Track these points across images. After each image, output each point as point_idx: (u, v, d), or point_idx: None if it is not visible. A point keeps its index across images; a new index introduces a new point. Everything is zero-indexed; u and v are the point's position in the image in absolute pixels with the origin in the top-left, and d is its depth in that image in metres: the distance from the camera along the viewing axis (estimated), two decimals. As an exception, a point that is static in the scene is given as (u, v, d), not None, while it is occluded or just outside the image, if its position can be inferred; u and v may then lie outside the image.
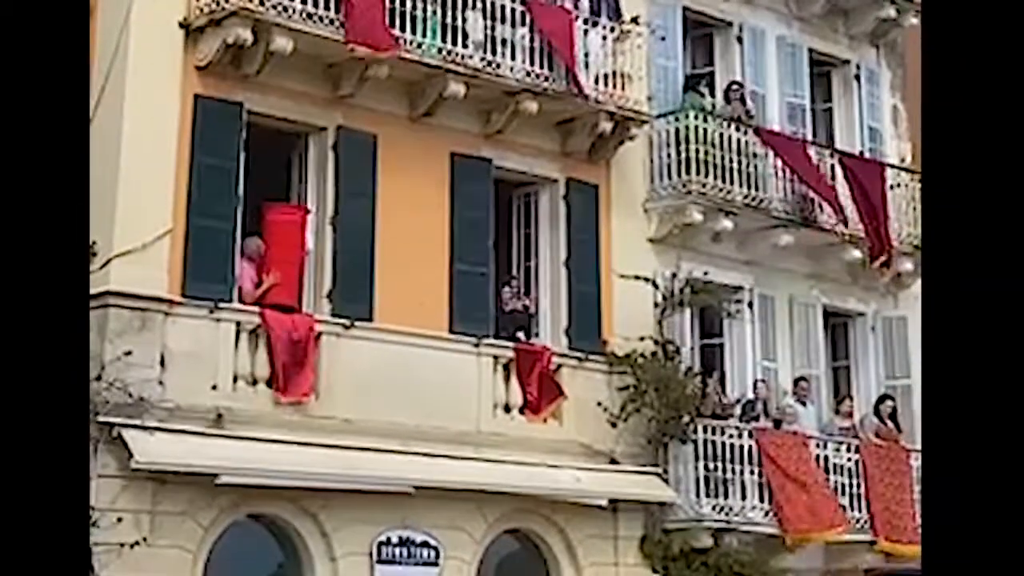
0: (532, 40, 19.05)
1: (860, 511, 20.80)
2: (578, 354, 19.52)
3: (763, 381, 21.38)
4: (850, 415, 22.18)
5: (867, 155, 23.88)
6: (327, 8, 17.01)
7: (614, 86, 19.94)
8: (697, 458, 19.44)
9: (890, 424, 22.11)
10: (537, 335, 19.66)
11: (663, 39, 21.15)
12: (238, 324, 16.55)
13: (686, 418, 19.42)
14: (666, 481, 19.48)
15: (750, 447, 19.91)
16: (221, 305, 16.38)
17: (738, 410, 20.75)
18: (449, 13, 18.14)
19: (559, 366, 19.26)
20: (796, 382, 21.86)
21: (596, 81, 19.73)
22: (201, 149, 16.57)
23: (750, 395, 21.16)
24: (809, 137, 23.24)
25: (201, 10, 16.71)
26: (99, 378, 15.10)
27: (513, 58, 18.83)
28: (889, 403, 22.34)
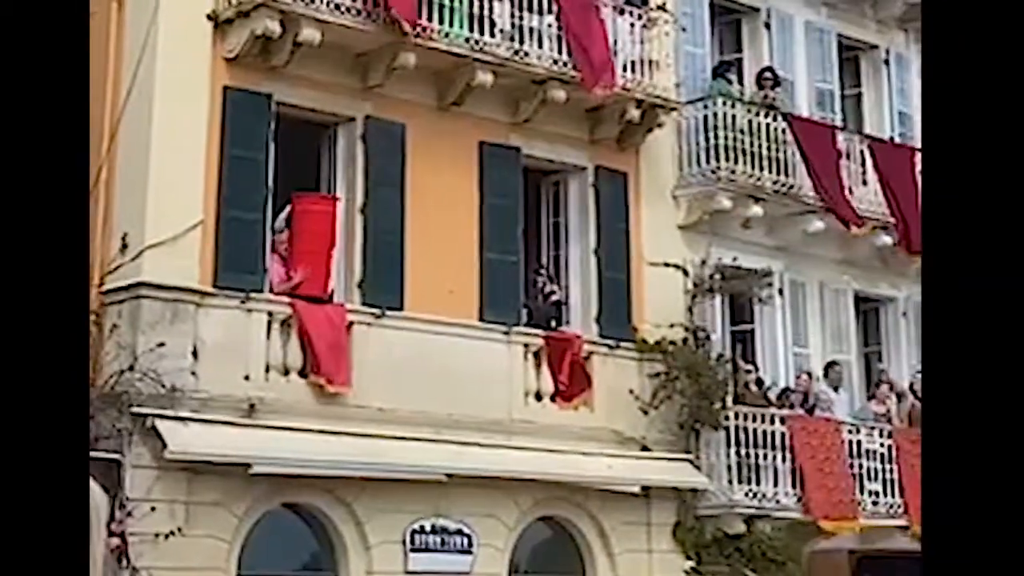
0: (559, 28, 19.04)
1: (894, 496, 20.76)
2: (609, 342, 19.53)
3: (808, 374, 21.35)
4: (885, 400, 22.11)
5: (897, 140, 23.82)
6: (354, -2, 17.05)
7: (642, 73, 19.92)
8: (729, 444, 19.45)
9: (924, 404, 22.06)
10: (567, 323, 19.68)
11: (684, 30, 21.05)
12: (270, 314, 16.61)
13: (717, 404, 19.40)
14: (698, 468, 19.50)
15: (782, 433, 19.90)
16: (253, 296, 16.44)
17: (774, 397, 20.71)
18: (476, 2, 18.14)
19: (590, 354, 19.28)
20: (827, 367, 21.84)
21: (624, 68, 19.72)
22: (231, 140, 16.64)
23: (789, 384, 21.13)
24: (838, 123, 23.20)
25: (229, 2, 16.76)
26: (132, 368, 15.21)
27: (540, 46, 18.83)
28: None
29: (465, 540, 17.53)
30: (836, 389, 21.80)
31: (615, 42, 19.62)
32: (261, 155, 16.86)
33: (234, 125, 16.68)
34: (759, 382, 20.61)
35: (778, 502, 19.58)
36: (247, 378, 16.20)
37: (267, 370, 16.48)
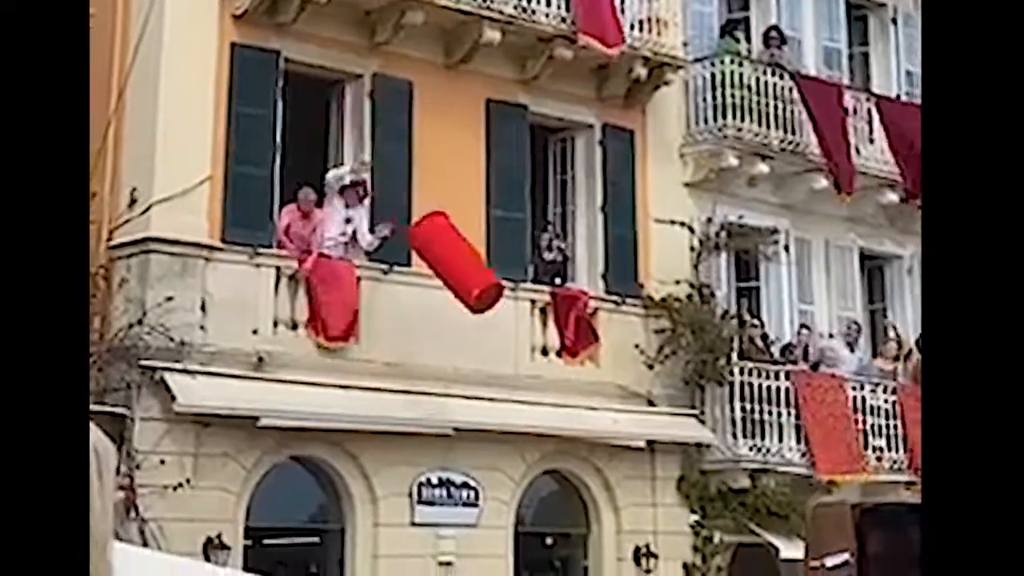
0: (567, -14, 19.08)
1: (898, 452, 20.91)
2: (615, 298, 19.67)
3: (807, 327, 21.49)
4: (893, 358, 22.23)
5: (904, 99, 23.83)
6: (362, -45, 17.14)
7: (649, 31, 19.98)
8: (734, 400, 19.60)
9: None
10: (574, 279, 19.82)
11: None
12: (278, 269, 16.78)
13: (722, 360, 19.55)
14: (703, 422, 19.67)
15: (787, 389, 20.04)
16: (261, 251, 16.60)
17: (777, 352, 20.87)
18: (484, -40, 18.20)
19: (596, 310, 19.42)
20: (848, 326, 21.98)
21: (631, 27, 19.78)
22: (239, 97, 16.77)
23: (791, 339, 21.30)
24: (845, 81, 23.24)
25: (237, -41, 16.85)
26: (140, 322, 15.38)
27: (548, 4, 18.88)
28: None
29: (471, 493, 17.72)
30: (851, 348, 21.92)
31: (623, 0, 19.67)
32: (269, 112, 16.98)
33: (242, 82, 16.81)
34: (764, 338, 20.76)
35: (782, 457, 19.74)
36: (255, 332, 16.38)
37: (275, 324, 16.66)
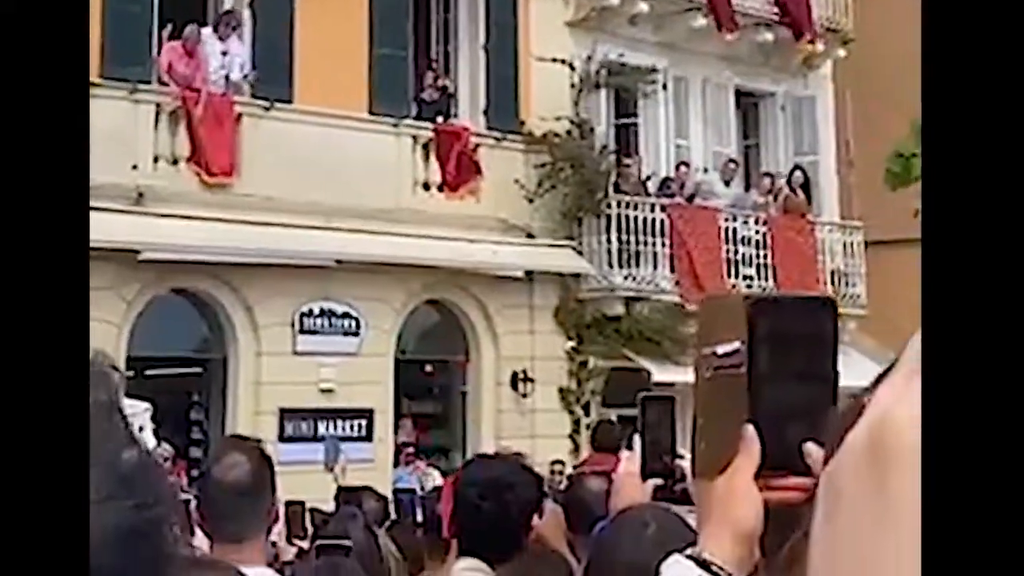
0: None
1: (766, 280, 21.59)
2: (496, 134, 20.09)
3: (686, 164, 22.02)
4: (766, 192, 22.86)
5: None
6: None
7: None
8: (610, 231, 20.16)
9: (801, 194, 22.91)
10: (456, 116, 20.21)
11: None
12: (158, 106, 17.03)
13: (600, 194, 20.09)
14: (580, 253, 20.24)
15: (662, 220, 20.62)
16: (140, 87, 16.83)
17: (653, 187, 21.42)
18: None
19: (477, 145, 19.83)
20: (726, 163, 22.54)
21: None
22: (115, -70, 16.83)
23: (668, 173, 21.84)
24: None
25: None
26: (17, 156, 15.62)
27: None
28: (799, 174, 23.09)
29: (352, 323, 18.23)
30: (728, 183, 22.53)
31: None
32: (146, -54, 17.12)
33: (117, -85, 16.85)
34: (639, 172, 21.30)
35: (656, 285, 20.36)
36: (135, 167, 16.66)
37: (155, 160, 16.97)
